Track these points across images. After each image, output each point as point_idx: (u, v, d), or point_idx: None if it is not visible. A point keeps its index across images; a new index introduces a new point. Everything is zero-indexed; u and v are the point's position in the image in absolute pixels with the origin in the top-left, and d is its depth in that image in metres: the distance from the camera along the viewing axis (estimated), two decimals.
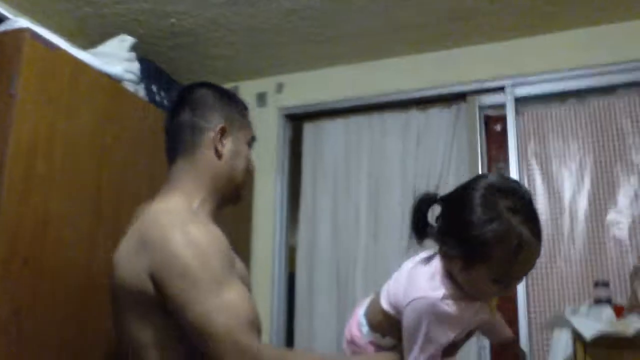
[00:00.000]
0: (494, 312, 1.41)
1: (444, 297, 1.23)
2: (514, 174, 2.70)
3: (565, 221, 2.59)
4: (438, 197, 1.32)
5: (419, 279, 1.30)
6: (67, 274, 1.82)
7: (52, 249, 1.77)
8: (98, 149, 2.01)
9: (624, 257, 2.46)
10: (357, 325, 1.44)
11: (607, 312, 2.13)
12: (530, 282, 2.56)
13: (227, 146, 1.56)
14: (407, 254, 2.65)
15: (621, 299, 2.34)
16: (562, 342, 2.20)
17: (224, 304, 1.26)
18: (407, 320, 1.27)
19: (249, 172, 1.62)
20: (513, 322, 2.54)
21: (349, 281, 2.80)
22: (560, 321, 2.15)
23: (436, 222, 1.31)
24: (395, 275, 1.41)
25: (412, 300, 1.26)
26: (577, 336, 2.03)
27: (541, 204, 2.65)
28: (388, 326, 1.37)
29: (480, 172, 2.75)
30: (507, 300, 2.57)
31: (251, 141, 1.64)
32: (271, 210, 3.05)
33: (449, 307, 1.23)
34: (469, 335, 1.37)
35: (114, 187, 2.05)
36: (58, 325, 1.76)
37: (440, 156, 2.85)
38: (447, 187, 2.78)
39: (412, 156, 2.89)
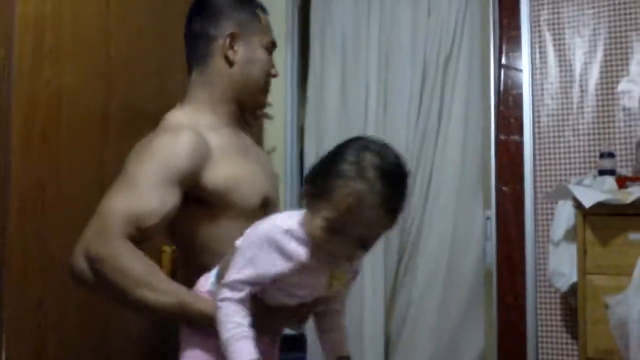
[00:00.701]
0: (336, 300, 1.29)
1: (288, 231, 1.14)
2: (525, 43, 2.66)
3: (575, 92, 2.58)
4: None
5: (274, 216, 1.24)
6: (84, 150, 1.86)
7: (67, 123, 1.80)
8: (104, 19, 1.98)
9: (632, 127, 2.48)
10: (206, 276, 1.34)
11: (610, 182, 2.18)
12: (537, 153, 2.60)
13: (240, 53, 1.51)
14: (417, 124, 2.73)
15: (626, 171, 2.39)
16: (565, 211, 2.28)
17: (105, 208, 1.29)
18: (241, 241, 1.20)
19: (268, 78, 1.57)
20: (519, 191, 2.61)
21: None
22: (564, 192, 2.22)
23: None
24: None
25: (252, 227, 1.21)
26: (578, 205, 2.10)
27: (552, 73, 2.63)
28: None
29: (491, 44, 2.71)
30: (514, 171, 2.62)
31: (270, 46, 1.57)
32: (282, 85, 3.00)
33: (287, 242, 1.13)
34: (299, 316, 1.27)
35: (123, 58, 2.04)
36: (80, 199, 1.82)
37: (452, 26, 2.78)
38: (457, 57, 2.76)
39: (422, 25, 2.83)
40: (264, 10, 1.60)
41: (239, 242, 1.23)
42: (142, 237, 1.29)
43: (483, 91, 2.72)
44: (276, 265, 1.13)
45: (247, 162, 1.51)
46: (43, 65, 1.73)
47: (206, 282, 1.31)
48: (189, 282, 1.36)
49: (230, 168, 1.43)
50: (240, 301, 1.14)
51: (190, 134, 1.41)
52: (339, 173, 1.08)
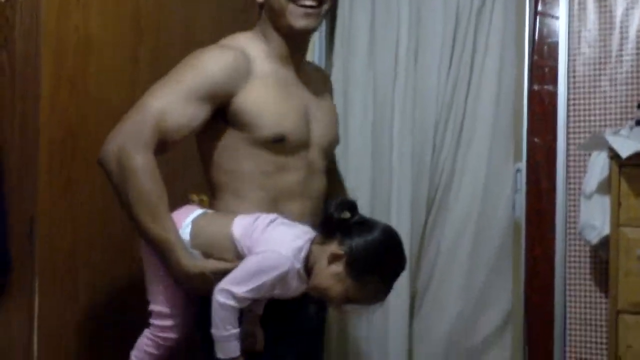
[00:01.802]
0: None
1: (298, 272, 1.39)
2: None
3: (614, 39, 2.48)
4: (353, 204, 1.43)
5: (284, 236, 1.41)
6: (112, 98, 1.85)
7: (95, 71, 1.80)
8: None
9: None
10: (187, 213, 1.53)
11: None
12: (571, 104, 2.53)
13: None
14: (449, 74, 2.67)
15: None
16: (599, 163, 2.22)
17: (143, 106, 1.44)
18: (254, 262, 1.38)
19: (290, 11, 1.49)
20: (551, 143, 2.55)
21: (386, 104, 2.77)
22: (599, 142, 2.16)
23: (343, 219, 1.42)
24: (252, 218, 1.46)
25: (270, 250, 1.38)
26: (614, 156, 2.05)
27: (590, 20, 2.53)
28: (219, 251, 1.44)
29: None
30: (547, 122, 2.56)
31: None
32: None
33: (295, 281, 1.39)
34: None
35: (151, 6, 2.02)
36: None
37: None
38: (492, 4, 2.67)
39: None
40: None
41: (237, 235, 1.42)
42: (167, 147, 1.46)
43: (517, 40, 2.63)
44: (274, 292, 1.39)
45: (282, 95, 1.52)
46: (70, 12, 1.72)
47: (183, 218, 1.47)
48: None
49: (261, 95, 1.48)
50: (240, 310, 1.38)
51: (234, 53, 1.48)
52: (380, 275, 1.42)
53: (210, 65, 1.46)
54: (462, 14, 2.71)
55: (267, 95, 1.49)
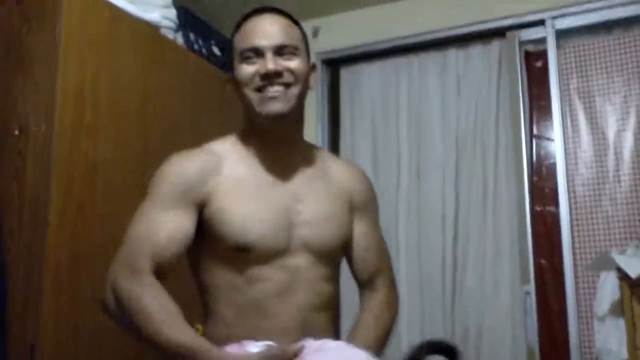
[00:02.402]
0: None
1: None
2: (556, 112, 2.64)
3: (610, 160, 2.54)
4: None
5: None
6: (119, 221, 1.85)
7: (102, 194, 1.81)
8: (141, 95, 2.03)
9: None
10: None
11: None
12: (574, 224, 2.53)
13: (236, 75, 1.41)
14: (453, 196, 2.69)
15: None
16: (609, 284, 2.19)
17: (130, 233, 1.34)
18: None
19: (257, 86, 1.37)
20: (558, 265, 2.53)
21: (390, 226, 2.79)
22: (607, 262, 2.14)
23: None
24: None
25: None
26: (623, 276, 2.02)
27: (585, 142, 2.60)
28: None
29: (522, 114, 2.70)
30: (552, 243, 2.56)
31: (246, 54, 1.39)
32: None
33: None
34: None
35: (158, 133, 2.08)
36: None
37: (480, 96, 2.80)
38: (488, 128, 2.75)
39: (452, 97, 2.85)
40: (255, 13, 1.45)
41: None
42: (165, 267, 1.31)
43: (516, 162, 2.69)
44: None
45: (251, 200, 1.38)
46: (81, 139, 1.76)
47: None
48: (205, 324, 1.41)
49: (226, 202, 1.35)
50: None
51: (200, 154, 1.41)
52: None
53: (177, 167, 1.39)
54: (460, 138, 2.79)
55: (233, 201, 1.36)
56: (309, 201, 1.43)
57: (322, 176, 1.49)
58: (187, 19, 2.60)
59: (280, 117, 1.38)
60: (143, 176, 1.97)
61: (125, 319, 1.27)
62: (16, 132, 1.70)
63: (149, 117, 2.04)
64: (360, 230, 1.52)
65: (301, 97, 1.41)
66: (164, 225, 1.32)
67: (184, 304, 2.04)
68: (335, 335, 1.45)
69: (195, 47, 2.59)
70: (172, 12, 2.35)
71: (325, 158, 1.56)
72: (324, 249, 1.42)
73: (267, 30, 1.39)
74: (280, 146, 1.44)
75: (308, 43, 1.47)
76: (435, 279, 2.68)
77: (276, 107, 1.36)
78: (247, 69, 1.38)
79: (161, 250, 1.30)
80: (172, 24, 2.32)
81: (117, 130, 1.90)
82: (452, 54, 2.90)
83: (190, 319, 1.97)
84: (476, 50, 2.87)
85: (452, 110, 2.84)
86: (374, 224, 1.58)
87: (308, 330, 1.35)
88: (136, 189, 1.94)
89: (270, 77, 1.35)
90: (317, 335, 1.34)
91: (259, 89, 1.36)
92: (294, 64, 1.38)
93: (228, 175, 1.38)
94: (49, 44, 1.74)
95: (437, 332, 2.63)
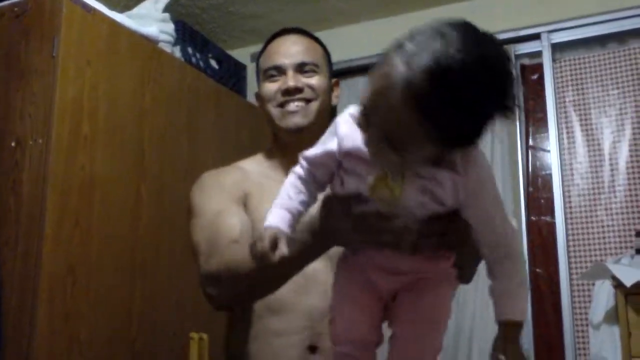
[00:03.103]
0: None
1: (352, 115, 0.98)
2: (551, 124, 2.66)
3: (605, 171, 2.56)
4: None
5: None
6: (115, 233, 1.88)
7: (99, 208, 1.83)
8: (138, 109, 2.05)
9: None
10: None
11: None
12: (570, 234, 2.55)
13: (260, 92, 1.49)
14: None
15: None
16: (604, 292, 2.20)
17: (195, 246, 1.34)
18: None
19: (280, 103, 1.43)
20: (554, 274, 2.54)
21: None
22: (602, 271, 2.15)
23: None
24: None
25: None
26: (618, 284, 2.03)
27: (580, 153, 2.62)
28: None
29: (518, 126, 2.72)
30: (548, 252, 2.57)
31: (270, 72, 1.45)
32: None
33: (344, 124, 0.99)
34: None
35: (155, 146, 2.10)
36: (108, 282, 1.82)
37: None
38: (485, 138, 2.76)
39: None
40: (280, 33, 1.51)
41: None
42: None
43: (512, 173, 2.70)
44: (326, 144, 1.02)
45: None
46: (77, 153, 1.78)
47: None
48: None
49: (252, 206, 1.39)
50: (300, 178, 1.06)
51: (228, 168, 1.47)
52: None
53: (213, 177, 1.44)
54: None
55: (258, 206, 1.38)
56: None
57: None
58: (185, 33, 2.64)
59: (300, 131, 1.42)
60: (139, 189, 2.01)
61: (248, 287, 1.23)
62: (13, 145, 1.73)
63: (146, 131, 2.07)
64: None
65: (322, 112, 1.45)
66: (228, 215, 1.33)
67: (179, 311, 2.05)
68: None
69: (193, 60, 2.62)
70: (170, 26, 2.38)
71: None
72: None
73: (289, 50, 1.46)
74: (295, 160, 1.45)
75: (330, 60, 1.54)
76: None
77: (296, 120, 1.42)
78: (270, 87, 1.45)
79: (236, 233, 1.29)
80: (170, 38, 2.35)
81: (114, 143, 1.92)
82: None
83: (185, 328, 1.99)
84: None
85: None
86: None
87: (317, 336, 1.31)
88: (132, 201, 1.97)
89: (291, 93, 1.42)
90: (326, 342, 1.24)
91: (281, 105, 1.43)
92: (314, 80, 1.44)
93: (253, 184, 1.43)
94: (47, 58, 1.77)
95: None
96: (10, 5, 1.86)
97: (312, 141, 1.37)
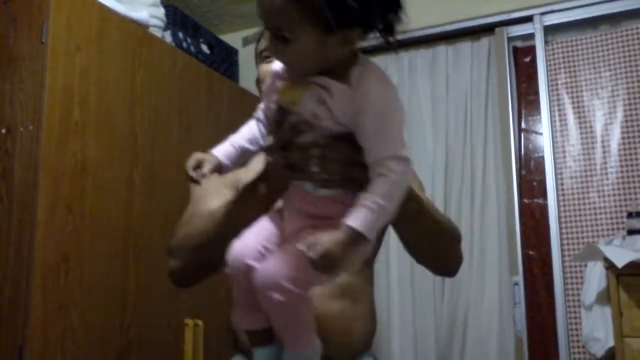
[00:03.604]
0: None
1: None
2: (544, 106, 2.67)
3: (597, 153, 2.57)
4: None
5: None
6: (108, 220, 1.87)
7: (91, 193, 1.82)
8: (129, 95, 2.04)
9: None
10: None
11: None
12: (562, 216, 2.56)
13: (258, 73, 1.46)
14: (443, 189, 2.71)
15: None
16: (595, 273, 2.22)
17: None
18: None
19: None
20: (547, 256, 2.55)
21: None
22: (594, 252, 2.16)
23: None
24: None
25: None
26: (609, 266, 2.05)
27: (573, 136, 2.62)
28: None
29: (510, 109, 2.72)
30: (540, 234, 2.58)
31: (262, 54, 1.42)
32: None
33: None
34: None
35: (146, 131, 2.09)
36: (102, 269, 1.82)
37: (470, 92, 2.82)
38: (476, 122, 2.77)
39: (441, 93, 2.87)
40: None
41: None
42: None
43: (504, 155, 2.71)
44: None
45: None
46: (69, 138, 1.77)
47: None
48: None
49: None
50: (255, 118, 1.11)
51: None
52: None
53: None
54: (450, 132, 2.81)
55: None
56: None
57: None
58: (176, 18, 2.62)
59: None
60: (131, 175, 2.00)
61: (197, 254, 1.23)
62: (3, 132, 1.71)
63: (138, 116, 2.06)
64: None
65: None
66: (210, 198, 1.29)
67: (174, 298, 2.05)
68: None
69: (184, 45, 2.60)
70: (161, 11, 2.36)
71: None
72: None
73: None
74: None
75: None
76: (426, 270, 2.68)
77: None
78: (263, 68, 1.41)
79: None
80: (160, 23, 2.33)
81: (106, 129, 1.91)
82: (442, 51, 2.92)
83: (180, 315, 2.00)
84: (465, 47, 2.89)
85: (441, 105, 2.86)
86: None
87: None
88: (124, 187, 1.96)
89: None
90: None
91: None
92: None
93: (245, 169, 1.36)
94: (37, 44, 1.75)
95: (428, 323, 2.65)
96: None
97: None
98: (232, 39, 3.20)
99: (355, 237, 0.88)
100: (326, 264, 0.87)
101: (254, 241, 1.04)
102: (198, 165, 1.05)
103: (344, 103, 0.94)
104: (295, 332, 1.03)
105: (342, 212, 0.93)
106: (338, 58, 0.94)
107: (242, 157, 1.10)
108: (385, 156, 0.92)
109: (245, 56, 3.15)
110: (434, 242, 1.29)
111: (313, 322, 1.04)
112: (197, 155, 1.06)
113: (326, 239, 0.87)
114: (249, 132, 1.10)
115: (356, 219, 0.88)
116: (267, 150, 1.08)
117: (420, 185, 1.47)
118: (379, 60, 3.01)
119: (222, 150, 1.08)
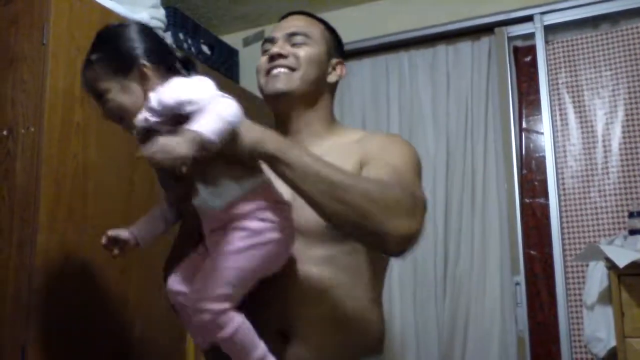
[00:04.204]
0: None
1: None
2: (545, 106, 2.67)
3: (598, 152, 2.57)
4: None
5: None
6: (109, 222, 1.86)
7: (92, 195, 1.82)
8: None
9: None
10: None
11: None
12: (563, 215, 2.56)
13: None
14: (444, 190, 2.71)
15: None
16: (597, 273, 2.22)
17: None
18: None
19: (261, 78, 1.42)
20: (548, 256, 2.55)
21: None
22: (595, 252, 2.16)
23: None
24: None
25: None
26: (611, 266, 2.05)
27: (574, 135, 2.62)
28: None
29: (511, 109, 2.72)
30: (542, 234, 2.58)
31: (263, 47, 1.47)
32: None
33: None
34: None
35: None
36: (103, 271, 1.82)
37: (470, 92, 2.82)
38: (477, 122, 2.77)
39: (442, 93, 2.87)
40: (284, 16, 1.53)
41: None
42: None
43: (505, 155, 2.71)
44: None
45: None
46: (70, 141, 1.77)
47: None
48: None
49: None
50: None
51: None
52: None
53: None
54: (451, 132, 2.81)
55: None
56: None
57: (332, 151, 1.30)
58: (176, 19, 2.62)
59: (278, 96, 1.39)
60: (132, 177, 1.99)
61: None
62: (5, 133, 1.71)
63: None
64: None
65: (307, 84, 1.40)
66: None
67: None
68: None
69: (185, 46, 2.60)
70: (161, 12, 2.36)
71: (350, 134, 1.45)
72: (324, 226, 1.20)
73: (283, 25, 1.48)
74: (292, 134, 1.40)
75: (336, 42, 1.52)
76: (427, 270, 2.70)
77: (276, 85, 1.38)
78: (262, 59, 1.45)
79: None
80: (160, 24, 2.33)
81: (107, 131, 1.90)
82: (442, 50, 2.93)
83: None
84: (465, 46, 2.89)
85: (442, 105, 2.86)
86: (382, 162, 1.28)
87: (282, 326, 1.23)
88: (126, 189, 1.96)
89: (274, 59, 1.40)
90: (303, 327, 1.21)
91: (267, 72, 1.41)
92: (302, 51, 1.41)
93: None
94: (37, 45, 1.74)
95: (429, 322, 2.65)
96: None
97: (297, 110, 1.42)
98: (233, 39, 3.20)
99: (203, 141, 1.02)
100: (161, 155, 1.00)
101: (184, 272, 1.20)
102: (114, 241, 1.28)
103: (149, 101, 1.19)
104: (234, 350, 1.10)
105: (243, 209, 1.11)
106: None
107: (158, 227, 1.33)
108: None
109: (246, 57, 3.15)
110: (339, 210, 1.09)
111: (252, 337, 1.10)
112: (109, 233, 1.28)
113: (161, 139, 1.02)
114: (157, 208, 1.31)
115: (203, 126, 1.04)
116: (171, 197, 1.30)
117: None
118: (379, 60, 3.02)
119: (139, 225, 1.29)
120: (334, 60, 1.49)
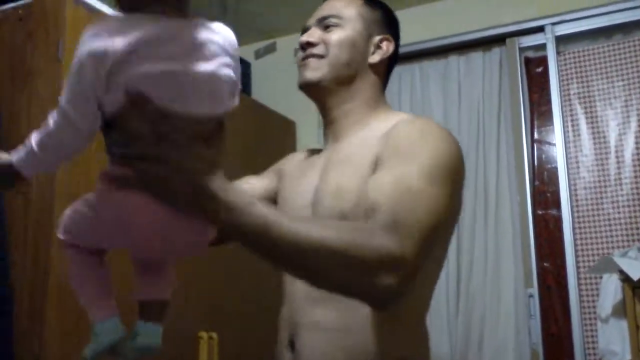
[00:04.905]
0: None
1: None
2: (557, 117, 2.66)
3: (611, 164, 2.55)
4: None
5: None
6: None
7: None
8: None
9: None
10: None
11: None
12: (576, 227, 2.55)
13: None
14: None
15: None
16: (611, 286, 2.20)
17: None
18: None
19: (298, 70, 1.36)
20: (561, 268, 2.54)
21: None
22: (609, 265, 2.15)
23: None
24: None
25: None
26: (625, 278, 2.03)
27: (586, 146, 2.61)
28: None
29: (523, 120, 2.72)
30: (554, 246, 2.57)
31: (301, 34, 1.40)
32: None
33: None
34: None
35: None
36: (116, 281, 1.83)
37: (482, 102, 2.82)
38: (488, 133, 2.77)
39: (453, 104, 2.87)
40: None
41: None
42: None
43: (517, 167, 2.70)
44: None
45: (291, 189, 1.34)
46: (83, 154, 1.77)
47: None
48: None
49: (280, 192, 1.38)
50: None
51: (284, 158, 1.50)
52: None
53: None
54: (462, 144, 2.79)
55: (280, 197, 1.37)
56: (332, 171, 1.25)
57: (359, 148, 1.24)
58: None
59: (310, 86, 1.31)
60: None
61: None
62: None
63: None
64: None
65: (340, 67, 1.30)
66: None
67: (188, 310, 2.06)
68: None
69: None
70: None
71: (389, 121, 1.26)
72: (341, 216, 1.16)
73: (317, 11, 1.38)
74: (332, 123, 1.34)
75: (378, 15, 1.39)
76: (439, 283, 2.67)
77: (305, 75, 1.31)
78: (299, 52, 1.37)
79: None
80: None
81: None
82: (453, 61, 2.93)
83: (194, 327, 1.99)
84: (477, 57, 2.89)
85: (453, 116, 2.86)
86: (395, 164, 1.13)
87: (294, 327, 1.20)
88: None
89: (304, 48, 1.32)
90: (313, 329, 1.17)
91: (301, 63, 1.33)
92: (332, 35, 1.31)
93: (294, 163, 1.43)
94: (53, 60, 1.77)
95: (442, 335, 2.64)
96: (14, 8, 1.86)
97: (327, 98, 1.32)
98: (245, 52, 3.22)
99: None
100: None
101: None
102: None
103: None
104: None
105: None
106: None
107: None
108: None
109: (258, 69, 3.17)
110: (309, 273, 0.97)
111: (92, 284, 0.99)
112: None
113: None
114: None
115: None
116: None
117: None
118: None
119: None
120: (377, 38, 1.36)
